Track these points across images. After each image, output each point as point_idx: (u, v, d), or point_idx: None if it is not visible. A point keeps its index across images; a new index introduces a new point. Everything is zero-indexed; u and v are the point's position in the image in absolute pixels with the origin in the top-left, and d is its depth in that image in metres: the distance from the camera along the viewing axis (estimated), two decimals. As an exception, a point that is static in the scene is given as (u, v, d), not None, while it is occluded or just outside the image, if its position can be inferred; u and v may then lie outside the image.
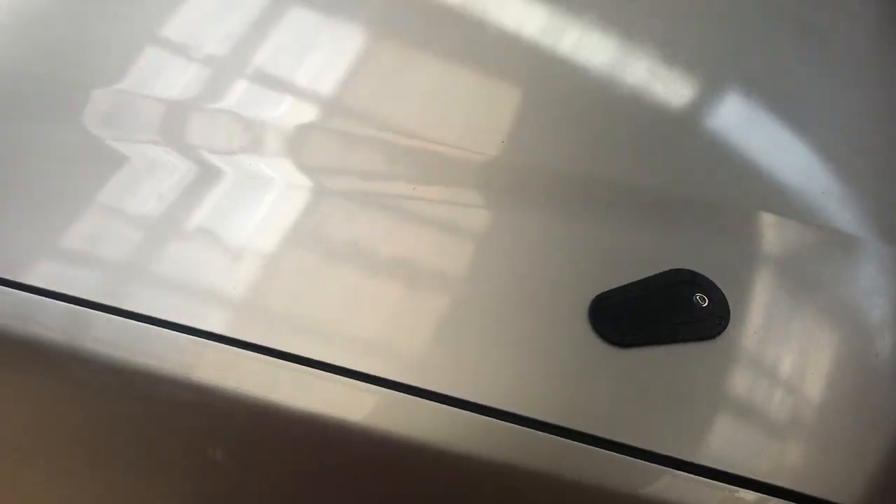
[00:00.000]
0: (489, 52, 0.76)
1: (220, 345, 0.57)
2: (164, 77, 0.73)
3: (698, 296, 0.61)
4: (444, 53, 0.76)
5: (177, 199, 0.64)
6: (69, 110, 0.70)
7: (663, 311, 0.60)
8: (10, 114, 0.71)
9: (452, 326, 0.59)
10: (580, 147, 0.70)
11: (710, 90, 0.76)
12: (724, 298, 0.62)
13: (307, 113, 0.71)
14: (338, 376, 0.55)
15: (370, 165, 0.67)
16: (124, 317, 0.58)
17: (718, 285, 0.62)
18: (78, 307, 0.58)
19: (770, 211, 0.68)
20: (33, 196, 0.65)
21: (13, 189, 0.65)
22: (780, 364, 0.60)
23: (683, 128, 0.73)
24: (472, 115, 0.71)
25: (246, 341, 0.57)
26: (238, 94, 0.72)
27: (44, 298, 0.59)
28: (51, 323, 0.58)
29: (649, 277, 0.62)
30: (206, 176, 0.66)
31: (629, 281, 0.62)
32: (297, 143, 0.69)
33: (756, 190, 0.70)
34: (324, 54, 0.75)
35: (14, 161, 0.67)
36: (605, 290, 0.61)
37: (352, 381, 0.55)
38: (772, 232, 0.67)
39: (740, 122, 0.74)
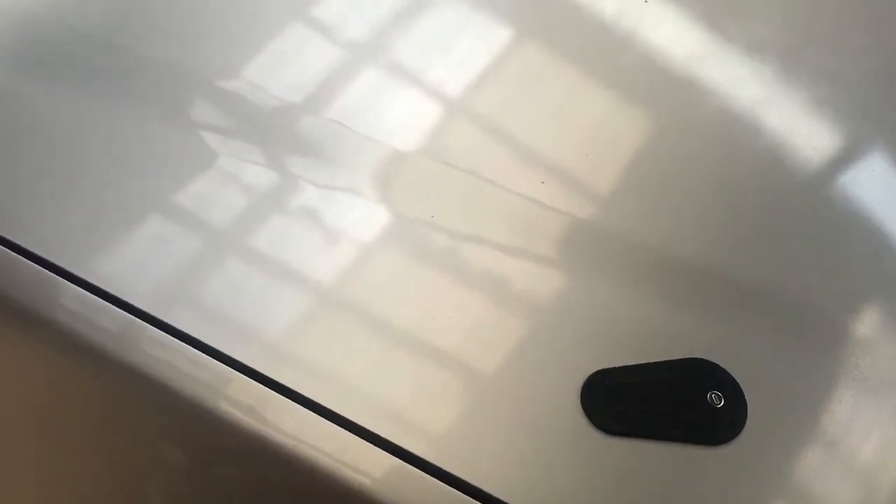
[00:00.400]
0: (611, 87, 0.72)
1: (253, 381, 0.54)
2: (283, 72, 0.70)
3: (714, 394, 0.54)
4: (576, 75, 0.72)
5: (257, 216, 0.62)
6: (178, 99, 0.68)
7: (668, 402, 0.54)
8: (116, 97, 0.68)
9: (447, 382, 0.55)
10: (637, 206, 0.64)
11: (808, 165, 0.68)
12: (745, 403, 0.54)
13: (415, 136, 0.67)
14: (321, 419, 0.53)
15: (438, 209, 0.63)
16: (170, 333, 0.55)
17: (743, 387, 0.55)
18: (128, 314, 0.56)
19: (838, 313, 0.59)
20: (117, 187, 0.63)
21: (96, 176, 0.64)
22: (791, 493, 0.52)
23: (763, 201, 0.66)
24: (568, 156, 0.67)
25: (279, 382, 0.54)
26: (349, 102, 0.69)
27: (98, 299, 0.57)
28: (103, 324, 0.57)
29: (663, 361, 0.56)
30: (292, 193, 0.63)
31: (641, 361, 0.56)
32: (394, 172, 0.65)
33: (831, 289, 0.61)
34: (452, 59, 0.72)
35: (107, 146, 0.65)
36: (610, 366, 0.56)
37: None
38: (830, 338, 0.59)
39: (839, 204, 0.66)
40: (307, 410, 0.53)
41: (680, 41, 0.75)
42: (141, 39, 0.73)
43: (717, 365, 0.56)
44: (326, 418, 0.52)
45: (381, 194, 0.63)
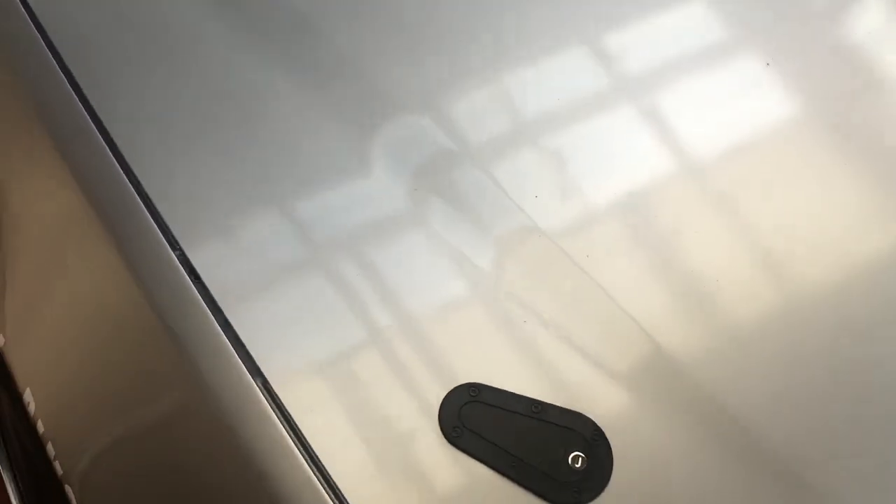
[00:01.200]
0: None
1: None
2: (480, 119, 0.65)
3: (580, 455, 0.51)
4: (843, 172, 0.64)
5: (374, 255, 0.59)
6: (368, 125, 0.65)
7: (525, 442, 0.52)
8: (306, 82, 0.66)
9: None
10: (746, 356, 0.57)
11: None
12: (606, 479, 0.50)
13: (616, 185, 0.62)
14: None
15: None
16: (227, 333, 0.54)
17: (615, 465, 0.51)
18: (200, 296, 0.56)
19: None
20: (268, 182, 0.61)
21: (259, 170, 0.62)
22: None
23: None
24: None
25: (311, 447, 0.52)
26: (524, 167, 0.63)
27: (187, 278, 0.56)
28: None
29: (549, 403, 0.53)
30: (418, 246, 0.59)
31: (535, 396, 0.54)
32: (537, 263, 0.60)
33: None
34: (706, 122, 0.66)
35: (270, 147, 0.63)
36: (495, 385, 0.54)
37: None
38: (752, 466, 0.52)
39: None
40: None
41: None
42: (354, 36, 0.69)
43: (602, 431, 0.52)
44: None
45: (496, 263, 0.59)
